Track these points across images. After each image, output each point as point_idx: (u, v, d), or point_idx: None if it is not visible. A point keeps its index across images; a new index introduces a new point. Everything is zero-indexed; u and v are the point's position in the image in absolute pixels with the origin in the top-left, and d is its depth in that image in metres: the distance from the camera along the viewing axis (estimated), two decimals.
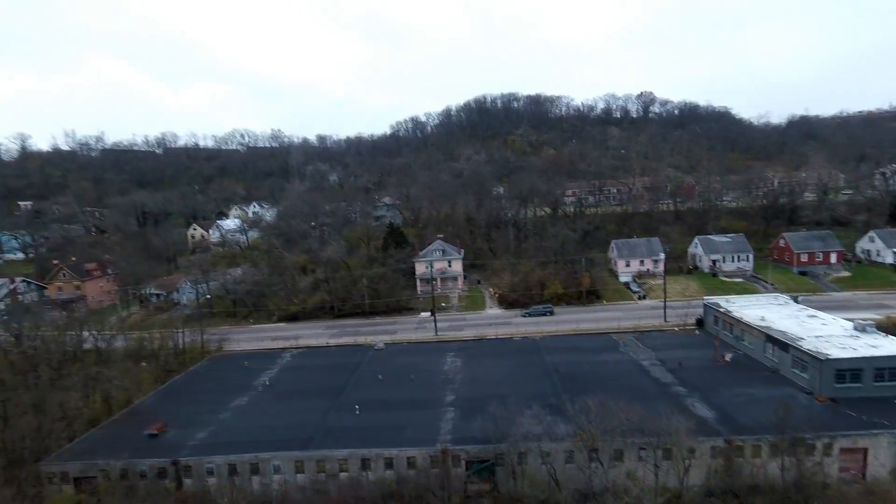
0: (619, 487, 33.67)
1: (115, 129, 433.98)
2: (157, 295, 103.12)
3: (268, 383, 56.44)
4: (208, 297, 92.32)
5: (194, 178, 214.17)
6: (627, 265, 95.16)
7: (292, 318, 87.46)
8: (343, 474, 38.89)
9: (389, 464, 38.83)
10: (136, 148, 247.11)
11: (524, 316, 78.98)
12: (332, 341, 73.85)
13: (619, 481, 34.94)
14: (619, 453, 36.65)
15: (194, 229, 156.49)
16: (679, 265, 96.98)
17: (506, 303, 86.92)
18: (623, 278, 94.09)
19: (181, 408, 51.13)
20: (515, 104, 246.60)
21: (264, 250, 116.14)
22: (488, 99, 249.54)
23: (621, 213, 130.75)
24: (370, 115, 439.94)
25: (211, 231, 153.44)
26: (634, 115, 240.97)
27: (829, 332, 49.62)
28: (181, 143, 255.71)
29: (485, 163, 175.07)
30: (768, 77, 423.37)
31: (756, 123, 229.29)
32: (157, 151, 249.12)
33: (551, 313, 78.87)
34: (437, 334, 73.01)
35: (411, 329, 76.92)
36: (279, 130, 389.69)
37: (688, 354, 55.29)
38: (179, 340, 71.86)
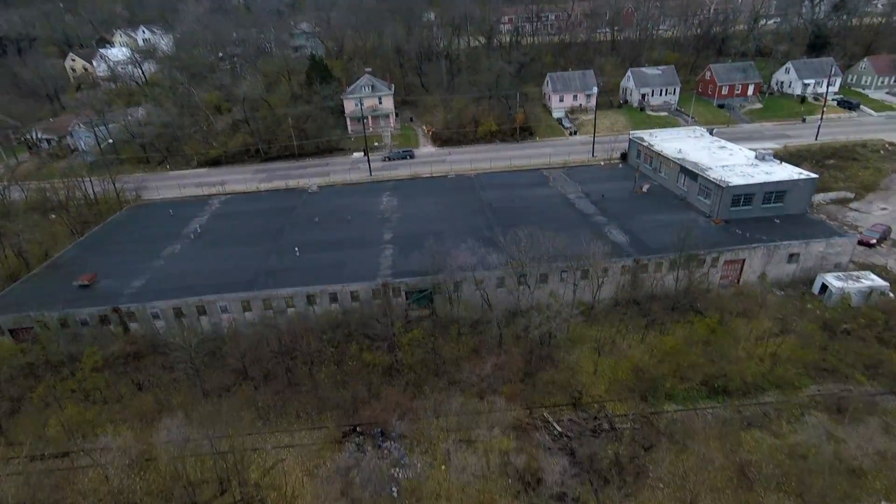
0: (542, 305, 38.49)
1: None
2: (48, 140, 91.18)
3: (199, 230, 55.01)
4: (110, 141, 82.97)
5: None
6: (561, 100, 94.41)
7: (214, 163, 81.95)
8: (290, 310, 41.15)
9: (334, 298, 41.29)
10: None
11: (384, 160, 78.22)
12: (263, 186, 71.22)
13: (543, 300, 39.83)
14: (544, 277, 41.01)
15: (73, 60, 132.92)
16: (610, 99, 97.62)
17: (439, 141, 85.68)
18: (556, 114, 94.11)
19: (107, 258, 49.53)
20: None
21: (167, 87, 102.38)
22: None
23: (558, 42, 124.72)
24: None
25: (95, 63, 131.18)
26: None
27: (733, 161, 54.23)
28: None
29: None
30: None
31: None
32: None
33: (411, 157, 79.32)
34: (371, 175, 72.15)
35: (345, 170, 75.21)
36: None
37: (611, 187, 59.20)
38: (89, 190, 66.28)
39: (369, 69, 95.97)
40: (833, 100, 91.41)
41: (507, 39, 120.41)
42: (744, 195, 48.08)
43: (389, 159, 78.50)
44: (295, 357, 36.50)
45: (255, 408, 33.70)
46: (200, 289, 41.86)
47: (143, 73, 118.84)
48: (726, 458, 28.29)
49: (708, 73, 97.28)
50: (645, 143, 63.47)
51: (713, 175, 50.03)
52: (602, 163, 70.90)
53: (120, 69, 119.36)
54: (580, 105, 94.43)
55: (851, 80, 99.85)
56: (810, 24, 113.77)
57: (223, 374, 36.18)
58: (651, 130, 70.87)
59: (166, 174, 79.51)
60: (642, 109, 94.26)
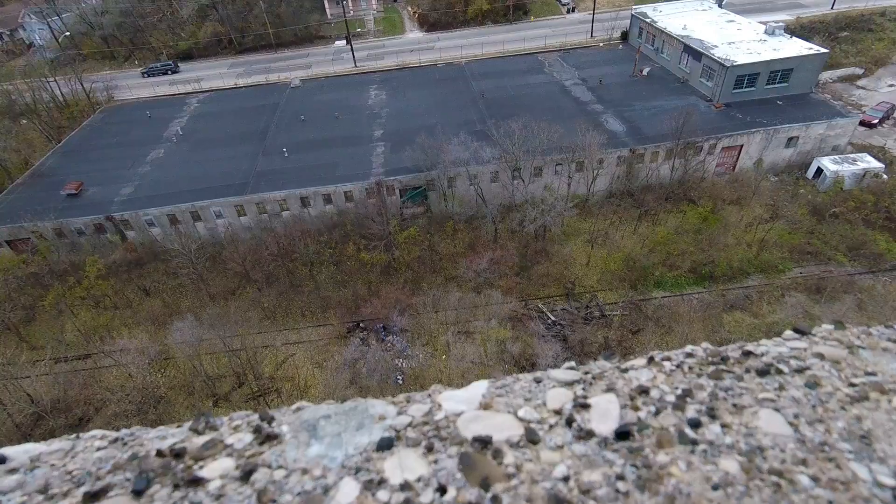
0: (537, 199, 38.51)
1: None
2: None
3: (181, 133, 52.79)
4: (68, 34, 76.03)
5: None
6: None
7: (186, 56, 76.07)
8: (285, 213, 41.08)
9: (328, 199, 41.02)
10: None
11: (143, 75, 70.28)
12: (241, 81, 66.92)
13: (538, 194, 39.74)
14: (538, 170, 40.51)
15: None
16: None
17: (427, 24, 78.99)
18: None
19: (91, 165, 48.09)
20: None
21: None
22: None
23: None
24: None
25: None
26: None
27: (741, 37, 50.79)
28: None
29: None
30: None
31: None
32: None
33: (173, 71, 70.61)
34: (356, 65, 67.60)
35: (327, 61, 70.24)
36: None
37: (609, 71, 56.01)
38: (56, 91, 62.25)
39: None
40: None
41: None
42: (748, 75, 45.81)
43: (148, 75, 70.01)
44: (294, 259, 37.25)
45: (260, 308, 35.17)
46: (192, 194, 41.30)
47: None
48: (708, 337, 30.39)
49: None
50: (648, 20, 58.85)
51: (718, 53, 47.18)
52: (601, 44, 66.29)
53: None
54: None
55: None
56: None
57: (226, 277, 37.16)
58: (655, 4, 65.25)
59: (135, 70, 74.14)
60: None
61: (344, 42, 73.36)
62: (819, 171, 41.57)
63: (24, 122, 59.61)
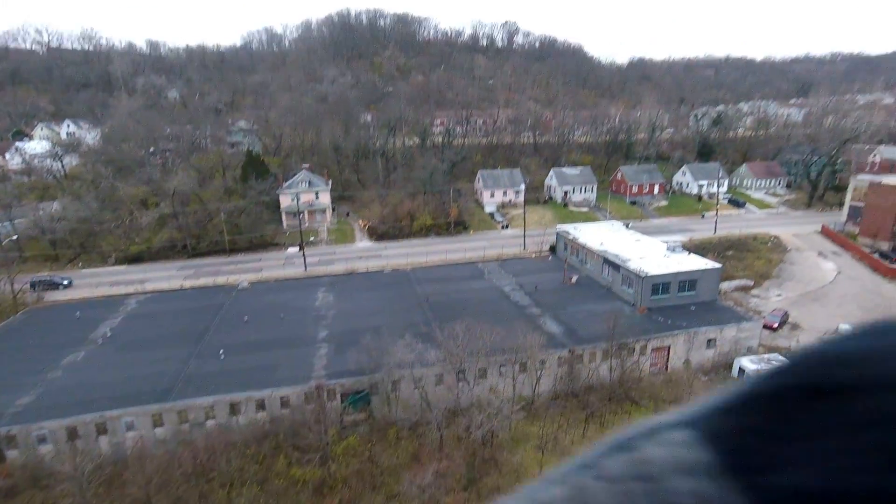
0: (482, 401, 37.62)
1: None
2: None
3: (109, 334, 50.10)
4: (14, 237, 76.36)
5: None
6: (492, 195, 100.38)
7: (135, 259, 77.18)
8: (210, 422, 37.26)
9: (261, 405, 38.08)
10: None
11: (30, 287, 63.39)
12: (188, 283, 67.35)
13: (483, 396, 39.01)
14: (483, 371, 40.55)
15: None
16: (537, 196, 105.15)
17: (376, 235, 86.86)
18: (488, 208, 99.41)
19: None
20: (382, 22, 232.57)
21: (89, 180, 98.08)
22: (352, 14, 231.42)
23: (487, 144, 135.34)
24: (214, 20, 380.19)
25: (8, 156, 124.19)
26: (500, 45, 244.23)
27: (648, 253, 58.95)
28: None
29: (351, 86, 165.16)
30: (615, 18, 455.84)
31: (604, 62, 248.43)
32: None
33: (67, 285, 66.42)
34: (306, 269, 70.76)
35: (278, 266, 73.33)
36: (91, 30, 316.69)
37: (543, 278, 61.71)
38: None
39: (307, 165, 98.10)
40: (724, 198, 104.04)
41: (440, 140, 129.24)
42: (662, 284, 51.73)
43: (32, 287, 63.40)
44: (211, 479, 32.40)
45: None
46: (104, 402, 37.18)
47: (62, 166, 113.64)
48: None
49: (619, 174, 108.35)
50: (570, 237, 67.83)
51: (633, 266, 53.79)
52: (533, 255, 74.42)
53: (37, 162, 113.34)
54: (510, 200, 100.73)
55: (736, 182, 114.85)
56: (697, 135, 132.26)
57: None
58: (575, 224, 76.26)
59: (77, 272, 73.45)
60: (566, 205, 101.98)
61: (297, 248, 78.03)
62: (741, 370, 44.34)
63: None
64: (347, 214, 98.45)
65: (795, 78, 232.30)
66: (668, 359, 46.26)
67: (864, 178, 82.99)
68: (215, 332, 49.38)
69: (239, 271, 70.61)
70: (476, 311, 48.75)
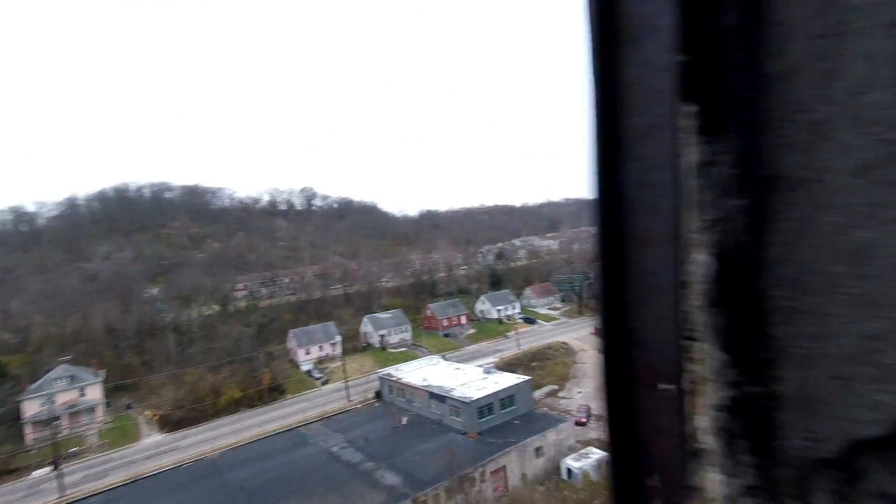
0: None
1: None
2: None
3: None
4: None
5: None
6: (308, 353, 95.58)
7: None
8: None
9: None
10: None
11: None
12: None
13: None
14: None
15: None
16: (354, 344, 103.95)
17: (170, 424, 72.60)
18: (305, 366, 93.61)
19: None
20: (169, 195, 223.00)
21: None
22: (132, 188, 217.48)
23: (296, 301, 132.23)
24: None
25: None
26: (299, 208, 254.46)
27: (469, 379, 61.92)
28: None
29: (131, 261, 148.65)
30: (401, 178, 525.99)
31: (398, 215, 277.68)
32: None
33: None
34: (63, 494, 53.71)
35: (16, 500, 54.28)
36: None
37: (372, 427, 58.48)
38: None
39: (68, 357, 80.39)
40: (519, 318, 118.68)
41: (244, 304, 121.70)
42: (486, 405, 53.98)
43: None
44: None
45: None
46: None
47: None
48: None
49: (429, 311, 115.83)
50: (394, 378, 67.50)
51: (457, 394, 55.42)
52: (359, 406, 70.97)
53: None
54: (327, 354, 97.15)
55: (525, 302, 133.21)
56: (486, 269, 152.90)
57: None
58: (397, 366, 76.64)
59: None
60: (384, 349, 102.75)
61: (50, 468, 59.51)
62: (569, 471, 47.04)
63: None
64: (129, 407, 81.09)
65: (546, 217, 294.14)
66: (506, 478, 46.54)
67: None
68: None
69: None
70: (303, 486, 42.93)
